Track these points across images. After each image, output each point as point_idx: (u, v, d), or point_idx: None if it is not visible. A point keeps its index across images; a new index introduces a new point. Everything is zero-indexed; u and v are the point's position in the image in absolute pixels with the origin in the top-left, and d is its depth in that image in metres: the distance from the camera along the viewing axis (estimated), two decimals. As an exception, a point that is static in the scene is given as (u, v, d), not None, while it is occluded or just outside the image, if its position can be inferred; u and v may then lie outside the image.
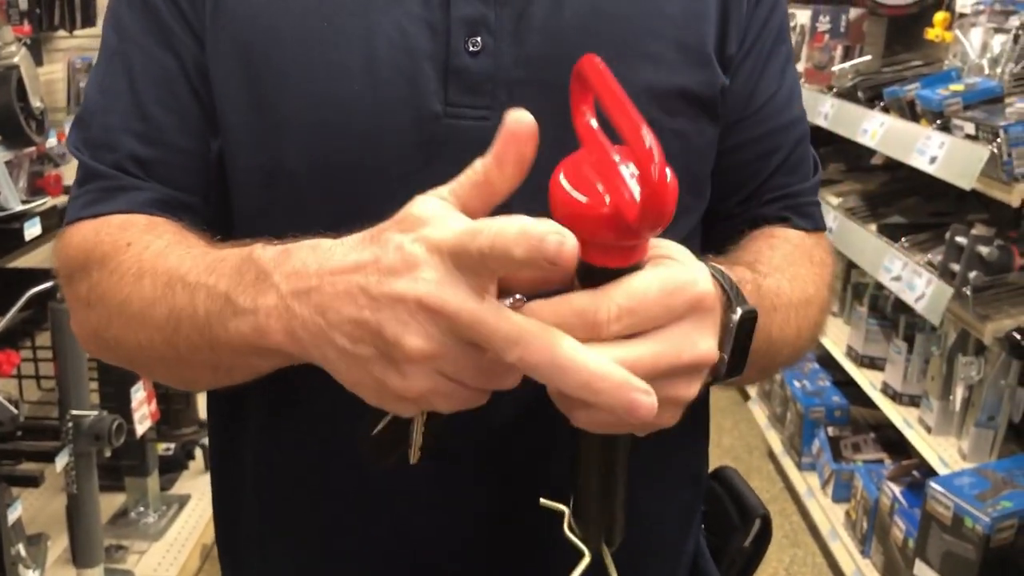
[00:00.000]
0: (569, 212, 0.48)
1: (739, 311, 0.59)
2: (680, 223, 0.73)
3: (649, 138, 0.45)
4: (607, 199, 0.47)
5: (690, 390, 0.54)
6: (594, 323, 0.48)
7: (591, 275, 0.50)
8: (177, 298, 0.62)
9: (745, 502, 0.83)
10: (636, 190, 0.46)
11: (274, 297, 0.54)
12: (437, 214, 0.49)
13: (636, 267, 0.50)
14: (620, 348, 0.49)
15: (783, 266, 0.75)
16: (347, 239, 0.53)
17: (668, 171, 0.45)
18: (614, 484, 0.58)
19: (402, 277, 0.48)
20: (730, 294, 0.60)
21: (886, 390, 2.64)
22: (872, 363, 2.80)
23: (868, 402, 2.77)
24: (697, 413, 0.82)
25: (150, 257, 0.65)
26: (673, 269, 0.51)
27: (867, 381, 2.76)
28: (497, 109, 0.66)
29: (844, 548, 2.69)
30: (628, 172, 0.47)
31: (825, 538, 2.81)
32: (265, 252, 0.57)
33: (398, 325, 0.48)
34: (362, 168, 0.68)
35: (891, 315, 2.78)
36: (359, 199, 0.66)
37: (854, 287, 3.09)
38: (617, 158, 0.48)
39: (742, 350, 0.60)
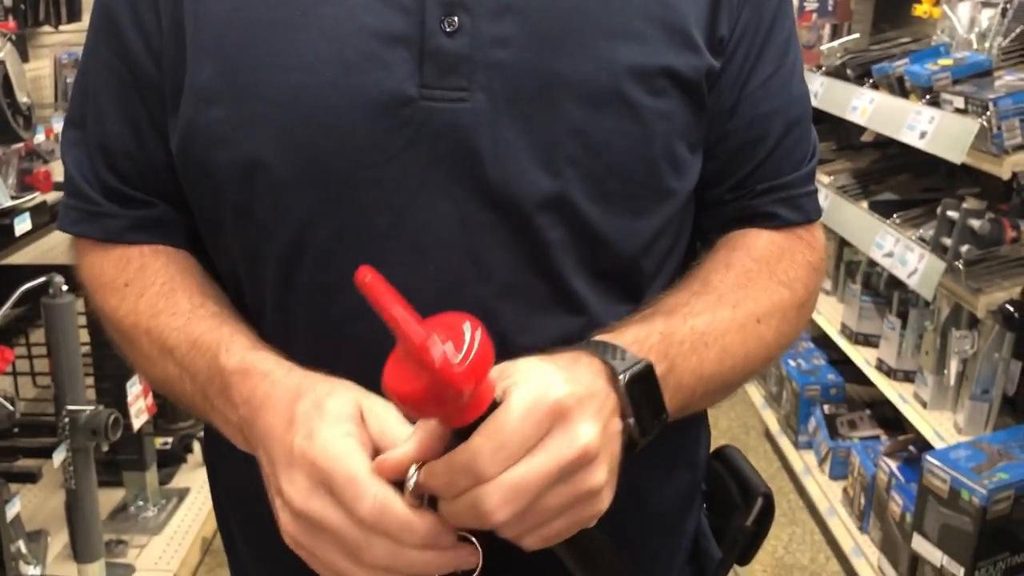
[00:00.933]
0: (403, 402, 0.54)
1: (624, 376, 0.62)
2: (666, 205, 0.74)
3: (419, 335, 0.51)
4: (423, 383, 0.52)
5: (595, 478, 0.57)
6: (478, 473, 0.54)
7: (461, 433, 0.55)
8: (169, 369, 0.71)
9: (747, 481, 0.83)
10: (455, 358, 0.52)
11: (235, 417, 0.65)
12: (335, 432, 0.57)
13: (494, 405, 0.55)
14: (509, 474, 0.54)
15: (729, 291, 0.73)
16: (289, 382, 0.62)
17: (451, 349, 0.51)
18: None
19: (285, 478, 0.58)
20: (612, 364, 0.62)
21: (881, 366, 2.65)
22: (866, 340, 2.81)
23: (863, 379, 2.78)
24: None
25: (146, 310, 0.73)
26: (522, 393, 0.56)
27: (862, 358, 2.77)
28: (475, 91, 0.66)
29: (842, 524, 2.70)
30: (437, 352, 0.52)
31: (823, 515, 2.83)
32: (229, 361, 0.66)
33: (285, 484, 0.58)
34: (339, 156, 0.67)
35: (884, 291, 2.78)
36: (337, 188, 0.67)
37: (847, 265, 3.09)
38: (425, 339, 0.52)
39: (652, 404, 0.63)
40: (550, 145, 0.67)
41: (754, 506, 0.81)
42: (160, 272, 0.76)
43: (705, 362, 0.69)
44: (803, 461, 3.07)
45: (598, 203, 0.70)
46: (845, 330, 2.91)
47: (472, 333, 0.53)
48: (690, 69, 0.71)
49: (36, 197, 1.97)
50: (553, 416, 0.56)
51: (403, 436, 0.57)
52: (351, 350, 0.67)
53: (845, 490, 2.78)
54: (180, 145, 0.72)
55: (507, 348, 0.61)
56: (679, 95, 0.71)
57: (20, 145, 2.07)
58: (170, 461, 2.77)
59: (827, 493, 2.87)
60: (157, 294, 0.74)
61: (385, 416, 0.59)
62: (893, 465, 2.46)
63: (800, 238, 0.81)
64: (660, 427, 0.64)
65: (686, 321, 0.70)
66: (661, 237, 0.75)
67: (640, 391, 0.62)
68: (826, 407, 3.01)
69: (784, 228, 0.80)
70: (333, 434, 0.57)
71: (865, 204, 2.74)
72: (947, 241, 2.18)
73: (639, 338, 0.66)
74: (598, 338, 0.66)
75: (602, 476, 0.58)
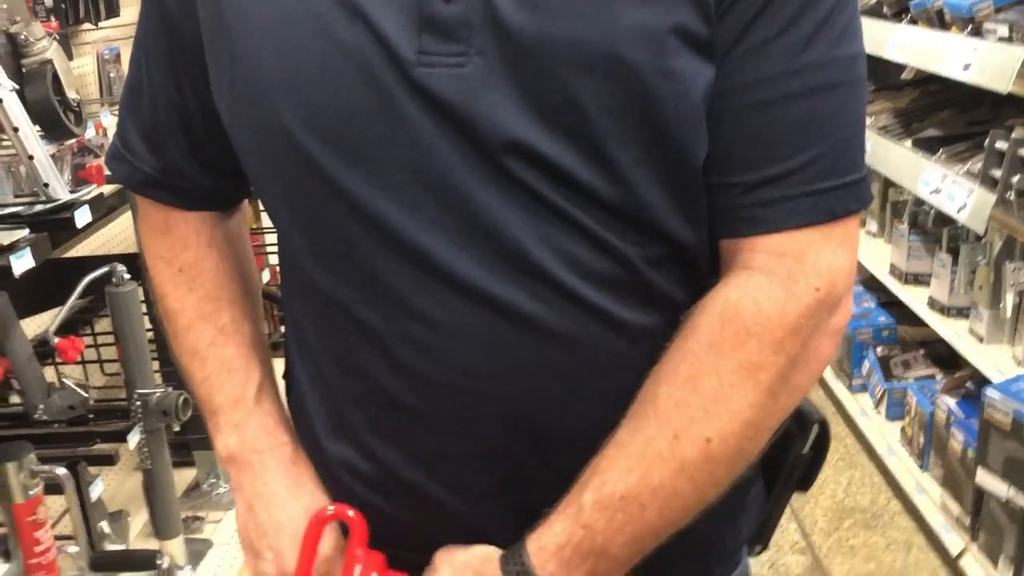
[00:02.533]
0: None
1: None
2: (677, 177, 0.68)
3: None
4: None
5: None
6: None
7: None
8: (199, 389, 0.84)
9: (800, 409, 0.83)
10: None
11: (239, 500, 0.82)
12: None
13: None
14: None
15: (671, 415, 0.67)
16: (261, 516, 0.80)
17: None
18: None
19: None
20: None
21: (933, 305, 2.63)
22: (916, 279, 2.79)
23: (915, 319, 2.76)
24: None
25: (192, 308, 0.83)
26: None
27: (913, 298, 2.75)
28: (472, 55, 0.65)
29: (902, 464, 2.70)
30: None
31: (882, 456, 2.83)
32: (232, 448, 0.81)
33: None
34: (349, 117, 0.67)
35: (932, 229, 2.76)
36: (350, 149, 0.68)
37: (893, 205, 3.06)
38: None
39: None
40: (549, 110, 0.65)
41: (810, 433, 0.82)
42: (210, 275, 0.83)
43: (642, 524, 0.68)
44: (858, 404, 3.06)
45: (599, 169, 0.66)
46: (894, 271, 2.89)
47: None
48: (700, 25, 0.65)
49: (93, 190, 2.03)
50: None
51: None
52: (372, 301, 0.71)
53: (903, 430, 2.77)
54: (216, 102, 0.76)
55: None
56: (689, 54, 0.65)
57: (72, 141, 2.13)
58: (237, 439, 2.84)
59: (884, 434, 2.86)
60: (204, 298, 0.83)
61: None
62: (951, 402, 2.45)
63: (784, 272, 0.67)
64: None
65: (616, 488, 0.67)
66: (678, 210, 0.69)
67: None
68: (879, 349, 2.99)
69: (766, 247, 0.68)
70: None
71: (908, 143, 2.70)
72: (996, 173, 2.15)
73: (560, 545, 0.68)
74: (515, 556, 0.69)
75: None
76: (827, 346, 0.70)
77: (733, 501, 0.72)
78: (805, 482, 0.84)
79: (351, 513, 0.74)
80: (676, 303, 0.72)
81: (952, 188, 2.25)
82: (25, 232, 1.81)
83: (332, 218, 0.70)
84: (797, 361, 0.68)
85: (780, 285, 0.67)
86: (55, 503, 1.95)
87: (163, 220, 0.84)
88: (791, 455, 0.83)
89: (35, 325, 2.39)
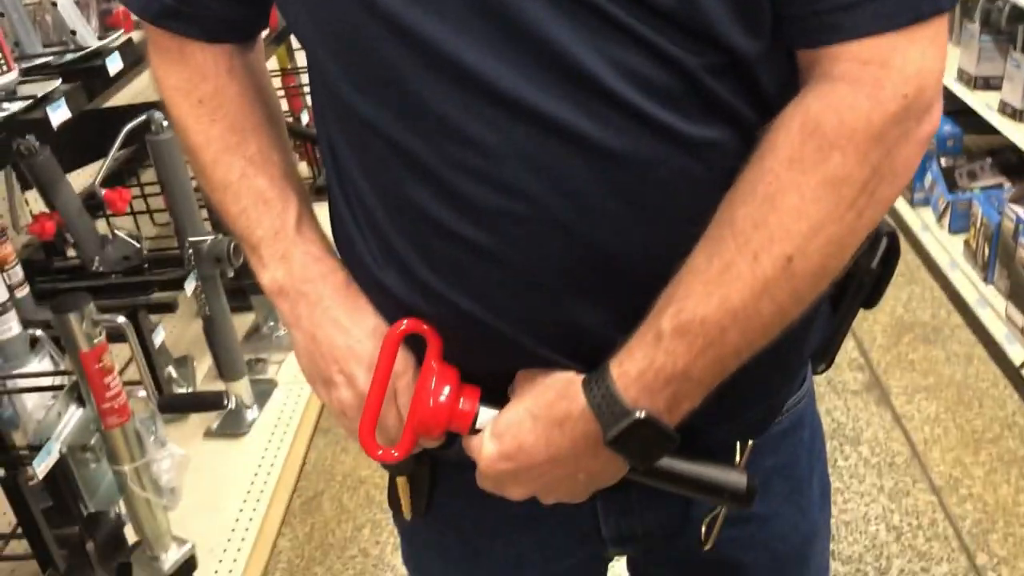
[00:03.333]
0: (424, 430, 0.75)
1: (610, 433, 0.67)
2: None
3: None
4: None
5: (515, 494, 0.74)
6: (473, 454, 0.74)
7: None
8: (236, 224, 0.79)
9: None
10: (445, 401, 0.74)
11: (298, 333, 0.79)
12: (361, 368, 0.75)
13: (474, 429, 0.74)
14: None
15: (750, 233, 0.63)
16: (322, 332, 0.76)
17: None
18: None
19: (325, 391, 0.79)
20: (602, 420, 0.67)
21: (1004, 109, 2.50)
22: (987, 83, 2.64)
23: (983, 127, 2.63)
24: None
25: (217, 140, 0.79)
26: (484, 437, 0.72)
27: (982, 103, 2.61)
28: None
29: (965, 277, 2.65)
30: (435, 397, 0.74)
31: (944, 270, 2.77)
32: (280, 281, 0.78)
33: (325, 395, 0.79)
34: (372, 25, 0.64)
35: (1006, 28, 2.58)
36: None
37: (962, 4, 2.86)
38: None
39: (653, 441, 0.67)
40: None
41: (878, 247, 0.78)
42: (233, 105, 0.79)
43: (724, 346, 0.65)
44: (920, 219, 2.98)
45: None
46: (962, 76, 2.73)
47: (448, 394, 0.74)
48: None
49: (121, 35, 1.97)
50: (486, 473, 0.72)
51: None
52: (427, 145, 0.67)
53: (966, 242, 2.70)
54: None
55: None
56: None
57: (96, -14, 2.06)
58: (292, 282, 2.88)
59: (947, 248, 2.80)
60: (229, 128, 0.78)
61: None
62: (1020, 211, 2.36)
63: (869, 80, 0.62)
64: (673, 445, 0.68)
65: (695, 314, 0.64)
66: (738, 18, 0.64)
67: (633, 440, 0.67)
68: (943, 160, 2.88)
69: (848, 55, 0.63)
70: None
71: (981, -68, 2.50)
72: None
73: (642, 370, 0.66)
74: (598, 380, 0.67)
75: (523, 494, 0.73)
76: (915, 156, 0.65)
77: (799, 320, 0.69)
78: (871, 299, 0.81)
79: (426, 326, 0.73)
80: (740, 116, 0.67)
81: (1029, -21, 2.08)
82: (58, 83, 1.78)
83: (372, 41, 0.65)
84: (883, 173, 0.63)
85: (864, 94, 0.62)
86: (122, 351, 2.00)
87: (178, 50, 0.79)
88: (859, 271, 0.79)
89: (81, 180, 2.40)
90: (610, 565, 0.94)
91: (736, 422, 0.77)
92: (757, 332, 0.66)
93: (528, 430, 0.70)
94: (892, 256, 0.80)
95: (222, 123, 0.79)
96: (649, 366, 0.66)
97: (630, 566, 0.97)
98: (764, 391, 0.80)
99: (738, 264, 0.64)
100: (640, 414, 0.66)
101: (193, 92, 0.79)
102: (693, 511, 0.81)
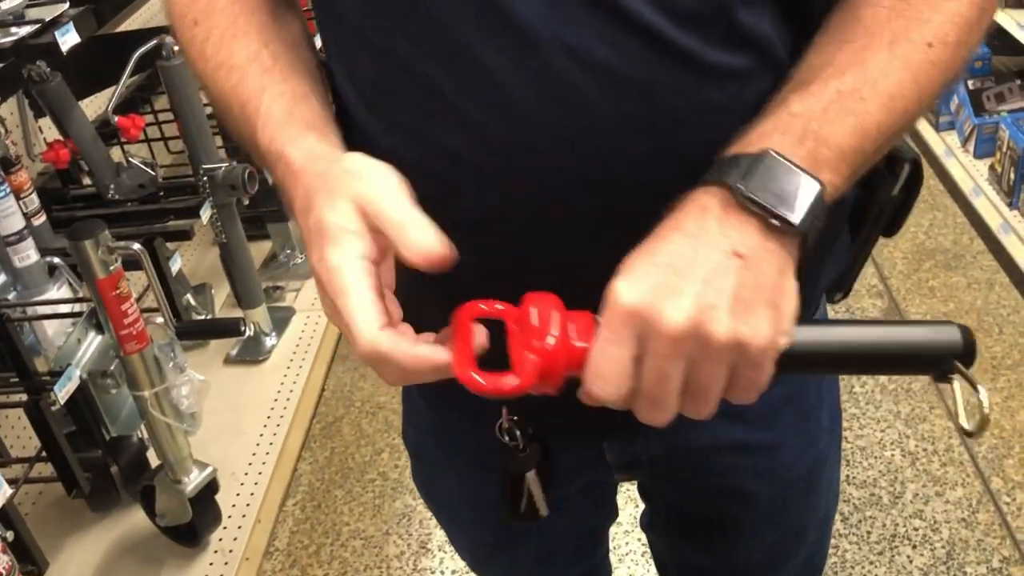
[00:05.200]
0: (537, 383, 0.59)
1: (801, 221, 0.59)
2: None
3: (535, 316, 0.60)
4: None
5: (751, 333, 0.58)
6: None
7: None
8: (238, 122, 0.71)
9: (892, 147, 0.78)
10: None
11: (296, 192, 0.65)
12: (339, 258, 0.59)
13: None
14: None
15: (884, 24, 0.62)
16: (299, 188, 0.63)
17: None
18: None
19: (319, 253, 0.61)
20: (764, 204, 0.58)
21: (1035, 29, 2.43)
22: (1018, 1, 2.55)
23: (1012, 47, 2.56)
24: None
25: (212, 57, 0.73)
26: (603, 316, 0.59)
27: (1012, 21, 2.53)
28: None
29: (989, 203, 2.60)
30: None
31: (967, 196, 2.73)
32: (293, 154, 0.65)
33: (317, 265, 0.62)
34: None
35: (1040, -57, 2.49)
36: None
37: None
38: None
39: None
40: None
41: (901, 173, 0.76)
42: (225, 11, 0.74)
43: (864, 115, 0.61)
44: (944, 143, 2.92)
45: None
46: (993, -6, 2.65)
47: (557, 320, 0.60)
48: None
49: (129, -43, 1.94)
50: (624, 321, 0.57)
51: (398, 218, 0.58)
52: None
53: (992, 167, 2.65)
54: None
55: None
56: None
57: (101, -95, 2.01)
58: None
59: (971, 173, 2.75)
60: (220, 40, 0.74)
61: (384, 206, 0.59)
62: (1047, 135, 2.31)
63: None
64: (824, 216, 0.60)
65: (827, 85, 0.61)
66: None
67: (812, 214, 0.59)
68: (970, 82, 2.80)
69: None
70: (338, 261, 0.59)
71: None
72: None
73: (788, 128, 0.60)
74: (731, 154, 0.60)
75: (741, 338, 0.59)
76: None
77: (814, 252, 0.67)
78: (892, 227, 0.79)
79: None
80: (769, 45, 0.65)
81: None
82: (66, 6, 1.75)
83: None
84: None
85: None
86: (140, 279, 2.01)
87: None
88: (880, 197, 0.77)
89: (95, 107, 2.38)
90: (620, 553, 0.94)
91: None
92: (898, 112, 0.63)
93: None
94: (915, 182, 0.78)
95: (213, 37, 0.75)
96: (775, 127, 0.61)
97: (641, 492, 0.98)
98: None
99: (874, 49, 0.63)
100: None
101: (188, 15, 0.76)
102: (693, 439, 0.81)
